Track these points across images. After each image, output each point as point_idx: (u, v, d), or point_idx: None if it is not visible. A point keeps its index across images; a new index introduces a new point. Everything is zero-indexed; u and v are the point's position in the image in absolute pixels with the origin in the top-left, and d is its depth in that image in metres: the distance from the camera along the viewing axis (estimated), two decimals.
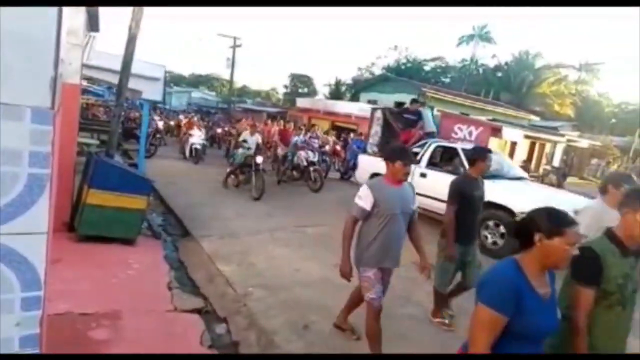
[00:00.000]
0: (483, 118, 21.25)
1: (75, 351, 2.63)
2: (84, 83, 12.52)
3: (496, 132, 18.48)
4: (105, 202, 4.38)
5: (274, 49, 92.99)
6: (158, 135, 14.45)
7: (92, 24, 8.22)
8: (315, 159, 9.83)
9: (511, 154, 19.00)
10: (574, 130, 24.30)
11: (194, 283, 4.10)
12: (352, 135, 15.45)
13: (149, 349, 2.80)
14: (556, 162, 19.51)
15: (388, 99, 25.37)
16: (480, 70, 39.42)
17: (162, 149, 13.75)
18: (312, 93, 47.13)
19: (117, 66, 5.70)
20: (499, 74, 37.70)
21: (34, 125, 1.12)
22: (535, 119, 27.25)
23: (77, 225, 4.45)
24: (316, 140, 11.70)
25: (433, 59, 42.17)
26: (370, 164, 8.53)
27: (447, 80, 40.55)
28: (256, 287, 3.96)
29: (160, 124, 15.46)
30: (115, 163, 4.91)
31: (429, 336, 3.41)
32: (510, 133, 18.75)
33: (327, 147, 12.84)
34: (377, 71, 40.91)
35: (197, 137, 12.17)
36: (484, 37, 38.27)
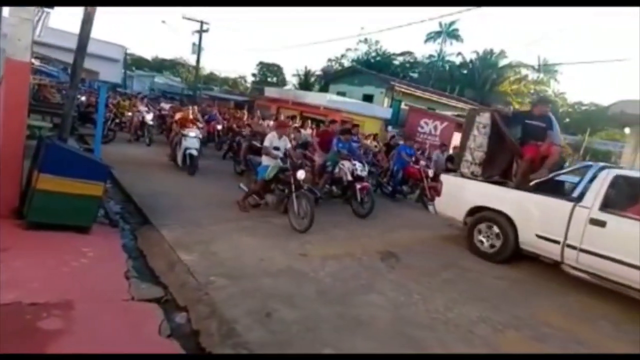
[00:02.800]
0: (448, 113, 21.93)
1: (23, 342, 2.50)
2: (37, 62, 11.77)
3: (460, 127, 19.14)
4: (57, 188, 4.14)
5: (243, 35, 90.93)
6: (141, 132, 12.39)
7: None
8: (365, 173, 7.48)
9: None
10: None
11: (154, 272, 3.99)
12: (395, 137, 12.33)
13: (103, 338, 2.70)
14: None
15: (357, 92, 25.59)
16: (447, 67, 40.39)
17: (151, 149, 11.52)
18: (281, 83, 46.74)
19: (73, 45, 5.39)
20: (464, 71, 38.81)
21: None
22: None
23: (26, 211, 4.19)
24: (356, 145, 9.10)
25: (402, 54, 42.79)
26: (465, 191, 6.16)
27: (415, 75, 41.31)
28: (219, 276, 3.90)
29: (149, 117, 12.50)
30: (68, 147, 4.66)
31: (388, 324, 3.49)
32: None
33: (371, 155, 10.54)
34: (347, 63, 41.06)
35: (193, 138, 8.76)
36: (451, 34, 39.17)
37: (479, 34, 70.05)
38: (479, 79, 35.87)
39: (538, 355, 3.36)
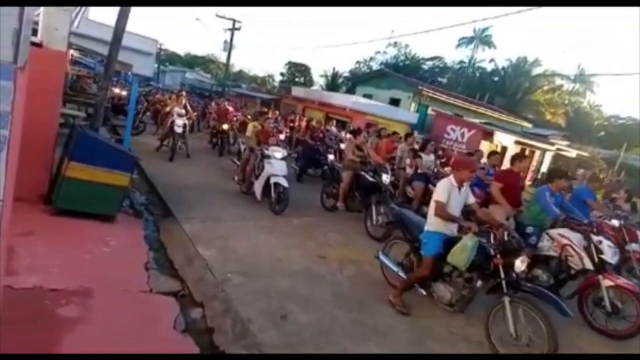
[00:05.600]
0: (476, 121, 21.39)
1: (40, 327, 2.54)
2: (76, 54, 12.17)
3: (488, 135, 18.68)
4: (85, 176, 4.23)
5: (273, 35, 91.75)
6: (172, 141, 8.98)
7: None
8: (616, 259, 4.32)
9: (501, 159, 19.20)
10: (563, 139, 24.59)
11: (173, 265, 4.01)
12: (578, 178, 7.79)
13: (119, 329, 2.71)
14: (544, 170, 19.74)
15: (384, 95, 25.34)
16: (477, 73, 39.48)
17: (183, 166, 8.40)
18: (309, 83, 46.77)
19: (109, 37, 5.50)
20: (496, 78, 37.84)
21: None
22: (527, 125, 27.50)
23: (54, 198, 4.30)
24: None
25: (432, 58, 42.09)
26: None
27: (444, 80, 40.56)
28: (236, 273, 3.88)
29: (180, 123, 9.05)
30: (99, 137, 4.76)
31: (405, 334, 3.38)
32: (502, 138, 18.95)
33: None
34: (376, 66, 40.74)
35: (280, 162, 6.28)
36: (484, 40, 38.28)
37: (513, 41, 68.23)
38: (510, 87, 34.90)
39: (538, 356, 3.17)
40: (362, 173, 6.35)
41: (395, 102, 24.56)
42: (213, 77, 48.12)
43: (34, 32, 4.10)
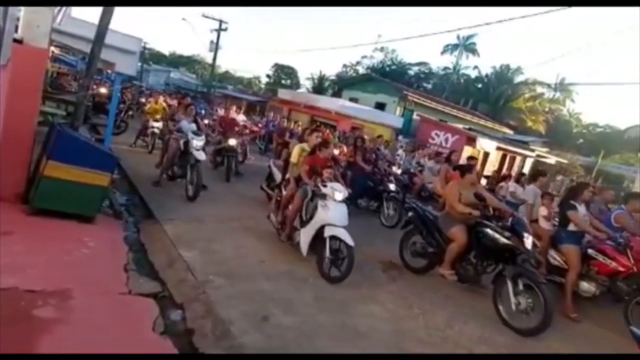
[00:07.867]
0: (460, 126, 21.76)
1: (16, 329, 2.48)
2: (57, 51, 11.91)
3: (471, 141, 19.02)
4: (63, 176, 4.15)
5: (260, 36, 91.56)
6: (179, 170, 6.66)
7: None
8: None
9: (483, 164, 19.56)
10: (543, 146, 25.21)
11: (153, 267, 3.96)
12: None
13: (96, 331, 2.67)
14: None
15: (370, 99, 25.57)
16: (462, 80, 40.21)
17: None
18: (295, 85, 46.88)
19: (92, 35, 5.41)
20: (479, 85, 38.63)
21: None
22: (508, 132, 28.11)
23: (31, 197, 4.20)
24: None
25: (417, 64, 42.72)
26: None
27: (429, 86, 41.19)
28: (218, 275, 3.86)
29: (199, 144, 6.42)
30: (78, 135, 4.67)
31: (386, 337, 3.42)
32: (484, 143, 19.32)
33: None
34: (362, 70, 41.10)
35: (339, 206, 4.42)
36: (469, 47, 39.01)
37: (496, 49, 69.67)
38: (493, 94, 35.67)
39: (538, 356, 3.25)
40: (488, 230, 4.29)
41: (381, 106, 24.81)
42: (198, 77, 47.72)
43: (15, 29, 4.01)
